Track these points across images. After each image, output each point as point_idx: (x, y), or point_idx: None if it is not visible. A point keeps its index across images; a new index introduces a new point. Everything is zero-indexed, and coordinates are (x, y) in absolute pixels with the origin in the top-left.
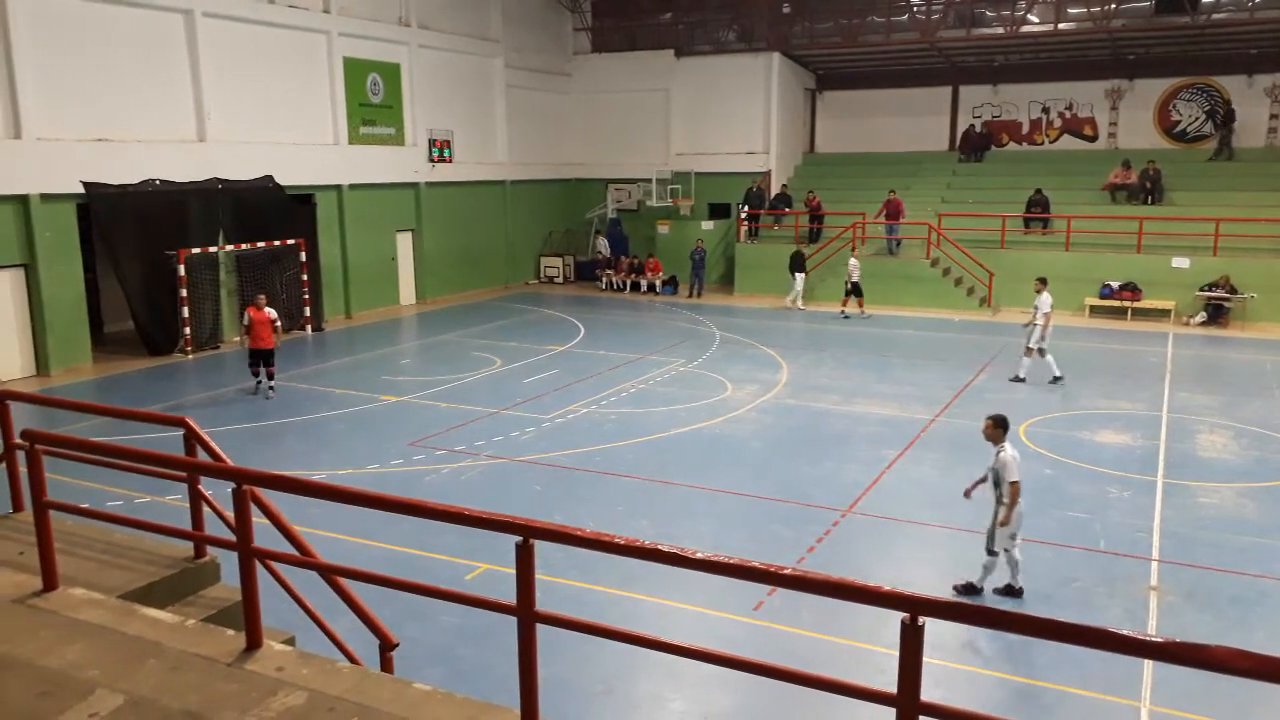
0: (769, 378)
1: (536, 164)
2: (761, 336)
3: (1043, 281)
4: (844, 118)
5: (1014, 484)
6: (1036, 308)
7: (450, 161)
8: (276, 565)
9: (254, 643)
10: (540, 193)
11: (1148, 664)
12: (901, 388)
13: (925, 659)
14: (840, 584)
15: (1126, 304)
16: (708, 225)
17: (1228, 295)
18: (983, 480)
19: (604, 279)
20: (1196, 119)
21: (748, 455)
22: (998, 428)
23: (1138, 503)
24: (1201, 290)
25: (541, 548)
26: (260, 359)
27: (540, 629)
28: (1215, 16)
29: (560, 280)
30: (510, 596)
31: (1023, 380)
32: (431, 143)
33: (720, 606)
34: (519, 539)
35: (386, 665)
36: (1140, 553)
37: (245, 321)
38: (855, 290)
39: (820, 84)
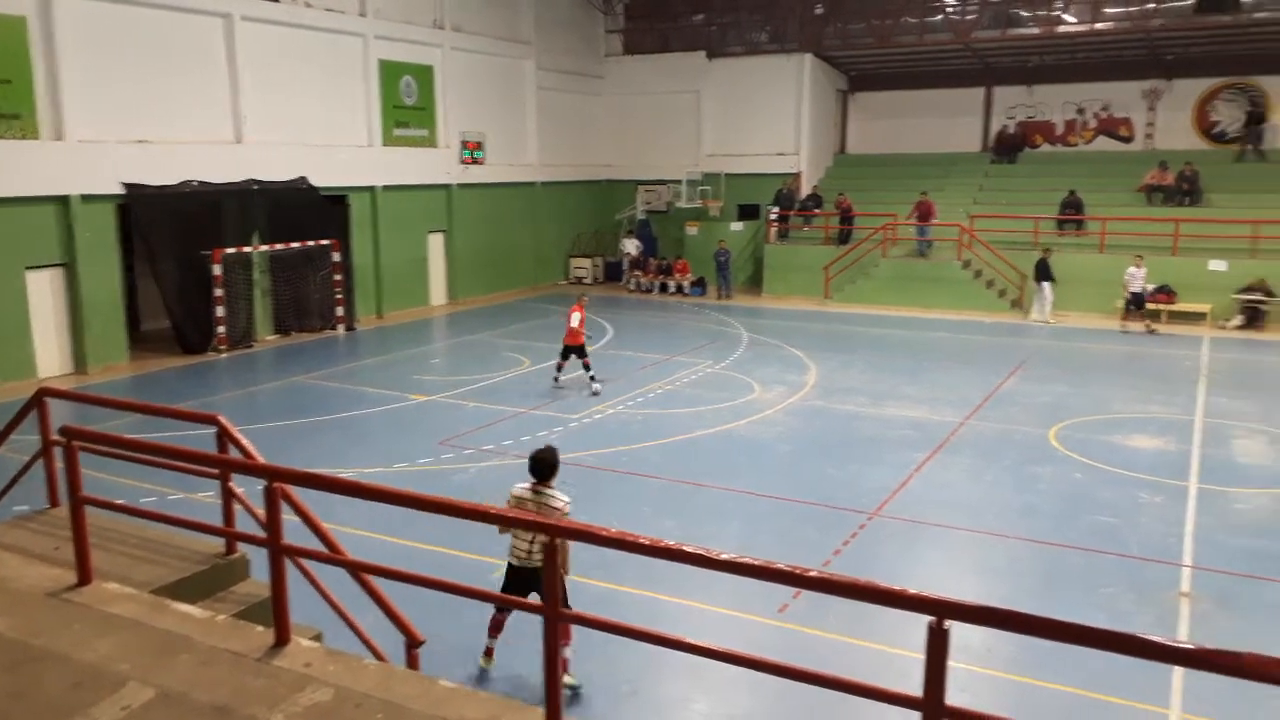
0: (797, 379)
1: (567, 165)
2: (790, 338)
3: None
4: (876, 118)
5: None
6: None
7: (482, 163)
8: (305, 562)
9: (282, 639)
10: (570, 194)
11: (1178, 671)
12: (931, 390)
13: (950, 663)
14: (866, 587)
15: (1161, 307)
16: (736, 226)
17: (1265, 298)
18: None
19: (632, 280)
20: (1237, 120)
21: (775, 457)
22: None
23: (1170, 509)
24: (1238, 293)
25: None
26: (572, 353)
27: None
28: (1257, 15)
29: (589, 281)
30: None
31: None
32: (463, 144)
33: (745, 608)
34: (545, 539)
35: (412, 662)
36: (1172, 559)
37: (575, 324)
38: (1135, 301)
39: (852, 85)
